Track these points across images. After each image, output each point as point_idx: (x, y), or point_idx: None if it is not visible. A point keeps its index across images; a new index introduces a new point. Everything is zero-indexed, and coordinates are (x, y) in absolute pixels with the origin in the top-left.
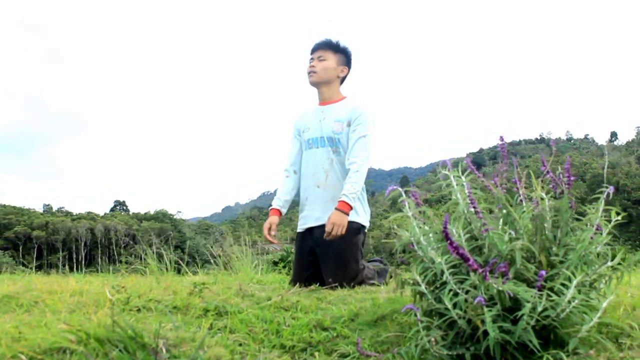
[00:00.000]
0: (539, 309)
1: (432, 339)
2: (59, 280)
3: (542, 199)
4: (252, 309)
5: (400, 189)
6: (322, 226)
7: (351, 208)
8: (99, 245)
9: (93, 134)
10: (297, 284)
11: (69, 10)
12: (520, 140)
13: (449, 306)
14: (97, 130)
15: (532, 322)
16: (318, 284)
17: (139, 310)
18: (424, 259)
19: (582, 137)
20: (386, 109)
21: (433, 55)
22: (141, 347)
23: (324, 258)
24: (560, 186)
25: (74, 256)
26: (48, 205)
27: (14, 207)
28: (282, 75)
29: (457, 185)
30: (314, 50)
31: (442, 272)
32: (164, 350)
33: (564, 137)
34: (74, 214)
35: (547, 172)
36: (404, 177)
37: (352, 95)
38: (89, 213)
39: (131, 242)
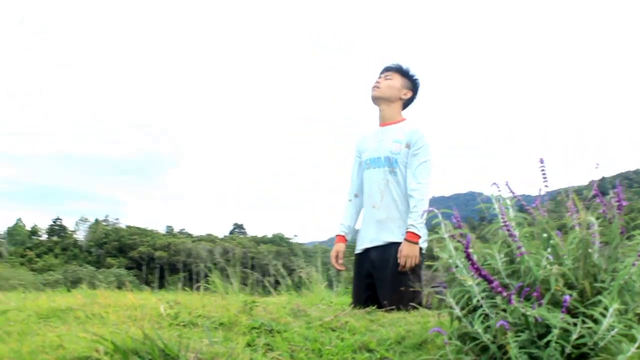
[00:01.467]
0: (574, 335)
1: None
2: (120, 295)
3: (588, 223)
4: (299, 328)
5: (436, 210)
6: (377, 247)
7: (419, 237)
8: (218, 267)
9: (213, 158)
10: (357, 306)
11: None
12: None
13: (480, 330)
14: (216, 154)
15: (568, 350)
16: (375, 306)
17: (185, 325)
18: (461, 282)
19: None
20: (495, 131)
21: (561, 81)
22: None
23: (380, 281)
24: (611, 211)
25: (194, 277)
26: (170, 226)
27: (138, 228)
28: None
29: (498, 207)
30: (382, 72)
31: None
32: None
33: None
34: (194, 235)
35: (597, 196)
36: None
37: (414, 117)
38: (209, 235)
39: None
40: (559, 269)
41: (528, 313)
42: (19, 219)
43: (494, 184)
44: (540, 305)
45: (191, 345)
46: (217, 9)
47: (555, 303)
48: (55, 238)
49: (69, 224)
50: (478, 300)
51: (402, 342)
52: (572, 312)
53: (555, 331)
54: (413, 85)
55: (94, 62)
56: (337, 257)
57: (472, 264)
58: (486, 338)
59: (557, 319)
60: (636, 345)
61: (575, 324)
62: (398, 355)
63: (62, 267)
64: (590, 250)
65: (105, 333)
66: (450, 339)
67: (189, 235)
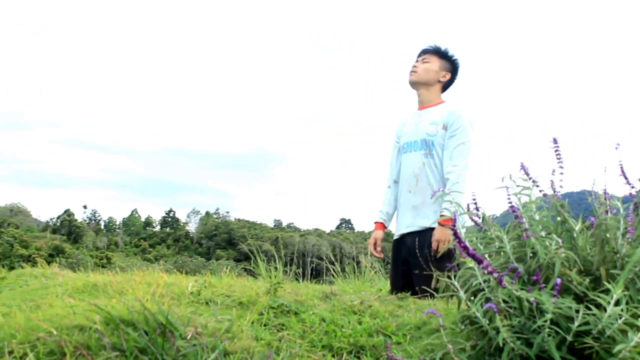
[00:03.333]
0: (576, 322)
1: (451, 347)
2: (155, 275)
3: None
4: (320, 310)
5: (446, 191)
6: (413, 233)
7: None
8: (325, 261)
9: (322, 153)
10: (394, 292)
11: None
12: None
13: (479, 314)
14: (325, 149)
15: (569, 338)
16: (410, 292)
17: (205, 303)
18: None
19: None
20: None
21: (562, 80)
22: (164, 331)
23: (415, 267)
24: (639, 195)
25: (301, 270)
26: (278, 220)
27: (247, 221)
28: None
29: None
30: (420, 55)
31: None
32: (189, 335)
33: None
34: (302, 230)
35: (625, 178)
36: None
37: (454, 99)
38: (316, 229)
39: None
40: (566, 253)
41: (521, 296)
42: (135, 210)
43: (522, 167)
44: (540, 289)
45: (194, 319)
46: (216, 9)
47: (566, 289)
48: (167, 229)
49: (181, 216)
50: (480, 283)
51: (422, 327)
52: (582, 299)
53: (548, 315)
54: (452, 66)
55: (200, 59)
56: (375, 244)
57: (460, 242)
58: (484, 321)
59: (549, 302)
60: (639, 335)
61: (577, 310)
62: (411, 340)
63: (173, 258)
64: (608, 235)
65: (103, 304)
66: (454, 322)
67: (297, 229)
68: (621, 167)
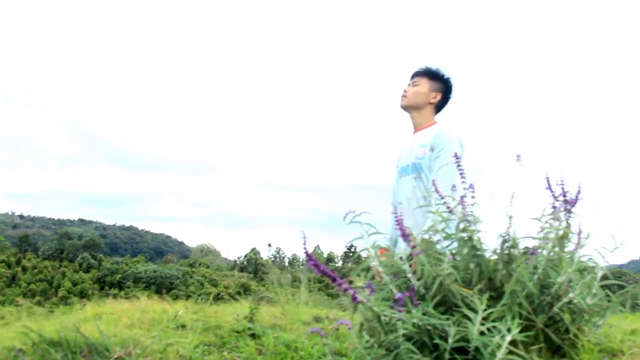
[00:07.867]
0: (450, 339)
1: None
2: (159, 304)
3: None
4: (284, 334)
5: (355, 212)
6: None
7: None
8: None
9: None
10: None
11: None
12: None
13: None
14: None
15: (447, 355)
16: None
17: (176, 327)
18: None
19: None
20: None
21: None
22: (90, 351)
23: None
24: (568, 205)
25: None
26: None
27: None
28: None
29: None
30: (411, 78)
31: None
32: (114, 355)
33: None
34: None
35: (550, 191)
36: None
37: (445, 121)
38: None
39: None
40: (449, 270)
41: (378, 312)
42: (317, 247)
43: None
44: (415, 305)
45: (131, 341)
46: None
47: (455, 305)
48: (349, 264)
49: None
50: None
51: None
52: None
53: (400, 331)
54: (444, 86)
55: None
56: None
57: (310, 259)
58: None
59: (392, 314)
60: (501, 352)
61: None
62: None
63: None
64: (513, 250)
65: (36, 326)
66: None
67: None
68: (547, 180)
